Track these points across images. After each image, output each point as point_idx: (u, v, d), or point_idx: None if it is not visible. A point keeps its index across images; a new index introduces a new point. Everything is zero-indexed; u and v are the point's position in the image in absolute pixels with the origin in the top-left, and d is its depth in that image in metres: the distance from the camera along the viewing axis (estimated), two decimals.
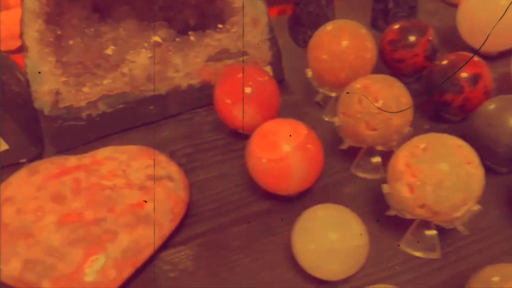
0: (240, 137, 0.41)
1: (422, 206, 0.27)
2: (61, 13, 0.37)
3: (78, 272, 0.28)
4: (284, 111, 0.40)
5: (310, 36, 0.49)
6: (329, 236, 0.27)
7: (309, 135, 0.32)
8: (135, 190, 0.32)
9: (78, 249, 0.29)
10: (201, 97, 0.43)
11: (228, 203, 0.35)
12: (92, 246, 0.29)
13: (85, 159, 0.34)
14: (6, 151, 0.39)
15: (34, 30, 0.35)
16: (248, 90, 0.38)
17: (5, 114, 0.38)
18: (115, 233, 0.29)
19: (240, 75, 0.39)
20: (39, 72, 0.36)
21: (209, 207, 0.35)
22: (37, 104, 0.38)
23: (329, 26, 0.38)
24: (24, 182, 0.32)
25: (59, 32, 0.37)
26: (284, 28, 0.52)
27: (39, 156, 0.41)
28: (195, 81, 0.42)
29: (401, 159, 0.28)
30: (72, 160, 0.34)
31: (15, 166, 0.41)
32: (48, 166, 0.33)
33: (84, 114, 0.40)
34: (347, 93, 0.33)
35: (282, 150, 0.31)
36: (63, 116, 0.39)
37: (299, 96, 0.45)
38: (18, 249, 0.29)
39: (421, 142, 0.28)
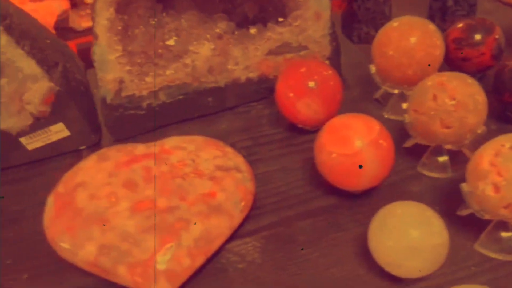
0: (298, 131, 0.40)
1: (507, 206, 0.26)
2: (129, 3, 0.37)
3: (153, 259, 0.28)
4: (342, 107, 0.40)
5: (366, 33, 0.49)
6: (410, 233, 0.26)
7: (382, 131, 0.32)
8: (205, 180, 0.32)
9: (153, 236, 0.29)
10: (258, 90, 0.43)
11: (292, 197, 0.35)
12: (166, 234, 0.29)
13: (154, 147, 0.34)
14: (67, 137, 0.40)
15: (104, 19, 0.35)
16: (312, 84, 0.37)
17: (69, 101, 0.38)
18: (188, 221, 0.29)
19: (303, 69, 0.38)
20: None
21: (272, 200, 0.35)
22: (101, 92, 0.38)
23: (395, 23, 0.38)
24: (94, 168, 0.32)
25: (126, 21, 0.38)
26: (336, 23, 0.51)
27: (97, 144, 0.42)
28: (253, 74, 0.42)
29: (485, 157, 0.27)
30: (140, 148, 0.34)
31: (73, 153, 0.41)
32: (117, 153, 0.34)
33: (144, 104, 0.40)
34: None
35: (355, 146, 0.31)
36: (125, 105, 0.40)
37: (355, 93, 0.44)
38: (93, 234, 0.29)
39: (507, 141, 0.27)
